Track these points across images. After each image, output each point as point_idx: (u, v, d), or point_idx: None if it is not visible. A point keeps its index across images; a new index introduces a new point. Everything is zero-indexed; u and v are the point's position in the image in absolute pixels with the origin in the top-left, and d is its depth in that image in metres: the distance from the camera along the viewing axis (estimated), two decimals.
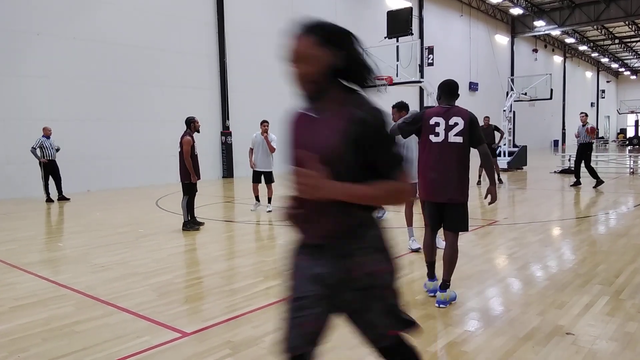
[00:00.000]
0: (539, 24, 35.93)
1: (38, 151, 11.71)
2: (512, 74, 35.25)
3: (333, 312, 1.96)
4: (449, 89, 4.06)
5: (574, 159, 13.14)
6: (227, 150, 18.01)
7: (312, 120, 1.90)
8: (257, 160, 9.42)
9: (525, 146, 19.91)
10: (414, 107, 27.23)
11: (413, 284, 4.74)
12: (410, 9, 15.82)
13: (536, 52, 42.63)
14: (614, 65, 57.52)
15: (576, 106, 52.40)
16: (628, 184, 13.19)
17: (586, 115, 12.73)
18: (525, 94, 22.48)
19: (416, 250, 5.90)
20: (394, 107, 6.10)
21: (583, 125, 12.51)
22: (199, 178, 7.93)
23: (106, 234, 7.69)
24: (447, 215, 3.99)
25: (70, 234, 8.14)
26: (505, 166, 14.39)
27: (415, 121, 4.07)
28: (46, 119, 12.88)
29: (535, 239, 6.64)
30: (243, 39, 18.51)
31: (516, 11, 34.47)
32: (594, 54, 51.07)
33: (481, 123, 13.93)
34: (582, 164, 12.61)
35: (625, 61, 56.94)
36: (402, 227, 6.42)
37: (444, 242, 5.61)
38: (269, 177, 9.41)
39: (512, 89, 21.85)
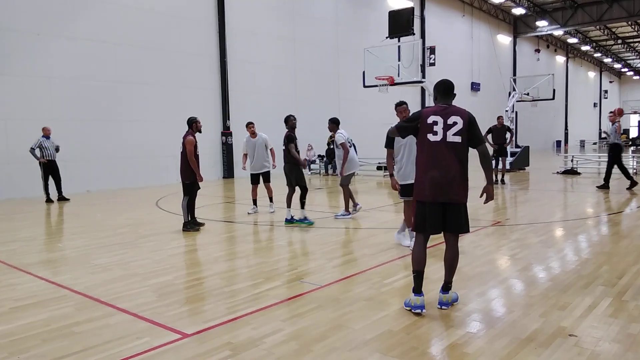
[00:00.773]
0: (542, 24, 35.89)
1: (37, 151, 11.71)
2: (515, 74, 35.23)
3: None
4: (444, 89, 4.01)
5: (606, 161, 12.33)
6: (227, 151, 18.01)
7: None
8: (254, 162, 9.33)
9: (528, 146, 19.88)
10: (416, 107, 27.24)
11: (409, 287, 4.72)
12: (412, 9, 15.80)
13: (538, 52, 42.58)
14: (617, 66, 57.41)
15: (579, 107, 52.37)
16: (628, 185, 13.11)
17: (616, 113, 12.13)
18: (528, 94, 22.44)
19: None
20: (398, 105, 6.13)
21: (612, 124, 11.94)
22: (201, 179, 7.91)
23: (106, 234, 7.68)
24: (449, 217, 3.88)
25: (70, 234, 8.14)
26: (508, 167, 14.36)
27: (413, 119, 4.01)
28: (46, 119, 12.90)
29: (537, 240, 6.61)
30: (243, 39, 18.52)
31: (518, 11, 34.44)
32: (597, 54, 50.99)
33: (494, 123, 13.88)
34: (611, 166, 11.96)
35: (628, 61, 56.82)
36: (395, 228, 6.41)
37: (409, 242, 5.58)
38: (267, 177, 9.38)
39: (514, 89, 21.80)
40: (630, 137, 49.12)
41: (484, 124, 24.64)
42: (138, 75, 15.42)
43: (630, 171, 16.72)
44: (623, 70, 59.90)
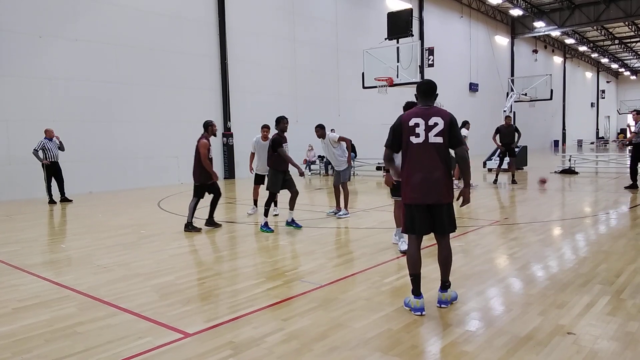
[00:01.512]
0: (539, 24, 35.97)
1: (40, 153, 11.74)
2: (512, 75, 35.29)
3: None
4: (425, 89, 3.99)
5: (630, 160, 12.19)
6: (228, 152, 18.04)
7: None
8: (261, 164, 9.33)
9: (526, 146, 19.93)
10: None
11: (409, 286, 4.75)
12: (411, 10, 15.84)
13: (536, 52, 42.67)
14: (614, 66, 57.54)
15: (576, 107, 52.47)
16: (628, 184, 13.16)
17: (638, 112, 12.00)
18: (526, 94, 22.49)
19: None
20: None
21: (637, 123, 11.83)
22: (216, 178, 7.98)
23: (108, 235, 7.71)
24: (437, 218, 3.92)
25: (73, 235, 8.16)
26: (506, 166, 14.41)
27: (395, 128, 3.97)
28: (48, 120, 12.92)
29: (535, 239, 6.64)
30: (244, 40, 18.56)
31: (516, 12, 34.51)
32: (594, 55, 51.10)
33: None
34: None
35: (625, 61, 56.96)
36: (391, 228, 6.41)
37: (405, 243, 5.50)
38: None
39: (512, 90, 21.87)
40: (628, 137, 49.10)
41: (484, 124, 24.91)
42: (139, 76, 15.45)
43: (628, 171, 16.81)
44: (620, 70, 60.05)
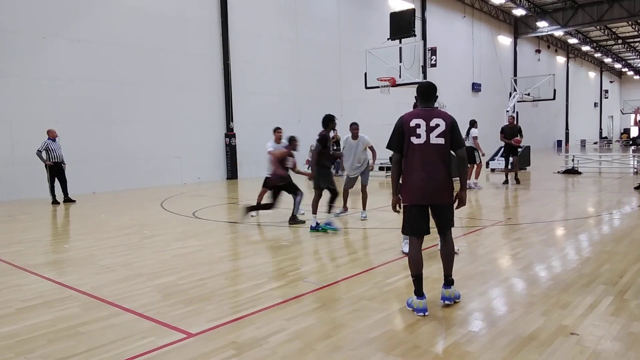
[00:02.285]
0: (542, 24, 35.89)
1: (44, 154, 11.77)
2: (515, 75, 35.23)
3: None
4: (424, 91, 4.01)
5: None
6: (231, 152, 18.05)
7: None
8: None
9: (529, 146, 19.89)
10: None
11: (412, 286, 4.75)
12: (413, 10, 15.82)
13: (539, 52, 42.57)
14: (618, 66, 57.36)
15: (579, 106, 52.33)
16: (632, 184, 13.14)
17: None
18: (529, 94, 22.44)
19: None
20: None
21: None
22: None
23: (111, 235, 7.72)
24: (439, 217, 3.99)
25: (76, 235, 8.18)
26: (509, 166, 14.37)
27: (397, 129, 3.97)
28: (51, 120, 12.96)
29: (538, 239, 6.63)
30: (246, 41, 18.57)
31: (519, 12, 34.44)
32: (597, 54, 50.96)
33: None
34: None
35: (629, 61, 56.77)
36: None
37: (407, 244, 5.41)
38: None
39: (515, 90, 21.81)
40: (631, 137, 49.07)
41: (486, 124, 24.78)
42: (142, 77, 15.48)
43: (632, 170, 16.77)
44: (623, 70, 59.87)
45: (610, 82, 62.58)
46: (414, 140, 3.86)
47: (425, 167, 3.84)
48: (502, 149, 14.74)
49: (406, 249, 5.93)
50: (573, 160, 17.47)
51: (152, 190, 14.37)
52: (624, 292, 4.32)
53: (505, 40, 37.41)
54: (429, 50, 24.43)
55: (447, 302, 4.04)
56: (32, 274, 5.50)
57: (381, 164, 17.92)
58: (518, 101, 21.09)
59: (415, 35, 15.61)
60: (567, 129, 49.59)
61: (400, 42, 15.43)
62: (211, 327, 3.75)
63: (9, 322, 4.02)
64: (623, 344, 3.29)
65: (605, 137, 58.44)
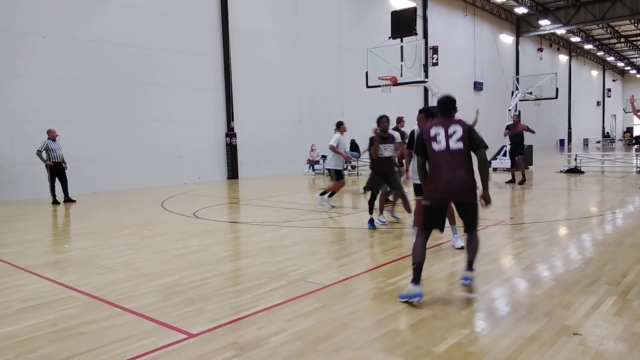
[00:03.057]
0: (544, 23, 35.80)
1: (44, 154, 11.77)
2: (517, 73, 35.16)
3: None
4: (442, 106, 4.40)
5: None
6: (231, 152, 18.04)
7: None
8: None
9: (531, 145, 19.82)
10: (418, 106, 27.19)
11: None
12: (415, 9, 15.78)
13: (541, 51, 42.48)
14: (620, 64, 57.24)
15: (582, 105, 52.22)
16: (635, 183, 13.10)
17: None
18: (531, 93, 22.37)
19: (461, 248, 5.86)
20: (420, 112, 6.06)
21: None
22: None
23: (112, 235, 7.72)
24: (465, 216, 4.32)
25: (77, 235, 8.18)
26: (515, 165, 14.33)
27: (419, 137, 4.42)
28: (52, 120, 12.96)
29: (541, 239, 6.61)
30: (247, 39, 18.56)
31: (521, 10, 34.37)
32: (600, 53, 50.85)
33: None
34: None
35: (632, 60, 56.63)
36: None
37: (460, 241, 5.78)
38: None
39: (517, 88, 21.77)
40: (634, 136, 48.92)
41: (489, 123, 24.72)
42: (142, 76, 15.48)
43: (635, 170, 16.72)
44: (626, 68, 59.75)
45: (613, 80, 62.45)
46: (435, 146, 4.23)
47: (446, 168, 4.17)
48: (507, 148, 14.60)
49: (458, 244, 5.96)
50: (576, 159, 17.43)
51: (153, 190, 14.37)
52: (627, 292, 4.29)
53: (507, 39, 37.34)
54: (430, 49, 24.38)
55: (466, 281, 4.27)
56: (32, 274, 5.49)
57: None
58: (520, 100, 21.04)
59: (416, 34, 15.56)
60: (569, 128, 49.49)
61: (401, 41, 15.39)
62: (212, 328, 3.74)
63: (9, 322, 4.01)
64: (626, 344, 3.27)
65: (608, 136, 58.31)
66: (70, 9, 13.85)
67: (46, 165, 11.84)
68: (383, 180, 7.52)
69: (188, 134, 16.68)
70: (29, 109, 13.05)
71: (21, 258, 6.27)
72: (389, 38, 15.55)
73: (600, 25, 38.63)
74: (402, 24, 15.21)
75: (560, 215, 8.81)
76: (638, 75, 62.01)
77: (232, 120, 18.11)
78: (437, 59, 24.07)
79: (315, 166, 19.89)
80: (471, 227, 4.35)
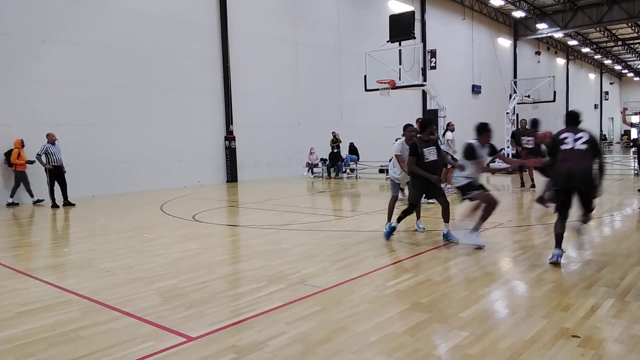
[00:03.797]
0: (542, 26, 35.90)
1: (43, 157, 11.78)
2: (515, 77, 35.21)
3: None
4: (570, 119, 5.61)
5: None
6: (230, 155, 18.05)
7: None
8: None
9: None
10: (417, 109, 27.24)
11: (413, 289, 4.74)
12: (413, 12, 15.85)
13: (539, 54, 42.59)
14: (618, 67, 57.35)
15: (579, 108, 52.26)
16: (633, 186, 13.14)
17: None
18: (529, 96, 22.46)
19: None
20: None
21: None
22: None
23: (111, 239, 7.72)
24: (583, 202, 5.45)
25: (76, 239, 8.18)
26: (510, 169, 14.32)
27: (554, 143, 5.50)
28: (51, 123, 12.97)
29: (539, 242, 6.62)
30: (246, 43, 18.59)
31: (518, 14, 34.46)
32: (597, 56, 50.95)
33: (511, 126, 13.71)
34: None
35: (629, 63, 56.76)
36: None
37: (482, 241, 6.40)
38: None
39: (515, 92, 21.84)
40: (632, 138, 48.99)
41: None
42: (141, 80, 15.50)
43: (632, 172, 16.76)
44: (623, 71, 59.85)
45: (611, 83, 62.59)
46: (563, 147, 5.36)
47: (571, 163, 5.21)
48: (508, 150, 14.37)
49: (479, 242, 6.23)
50: None
51: (152, 194, 14.36)
52: (625, 295, 4.31)
53: (505, 42, 37.44)
54: (428, 52, 24.42)
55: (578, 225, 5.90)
56: (32, 277, 5.49)
57: (381, 166, 17.94)
58: (518, 103, 21.11)
59: (414, 38, 15.62)
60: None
61: (399, 45, 15.45)
62: (211, 331, 3.74)
63: (8, 326, 4.01)
64: (625, 346, 3.28)
65: (606, 139, 58.42)
66: (70, 13, 13.87)
67: (45, 169, 11.84)
68: (426, 188, 6.77)
69: (187, 138, 16.68)
70: (27, 112, 13.05)
71: (20, 262, 6.27)
72: (388, 42, 15.61)
73: (598, 29, 38.77)
74: (401, 27, 15.28)
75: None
76: (635, 79, 62.16)
77: (231, 124, 18.13)
78: (435, 63, 24.09)
79: (314, 169, 19.90)
80: (587, 211, 5.57)
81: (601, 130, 60.96)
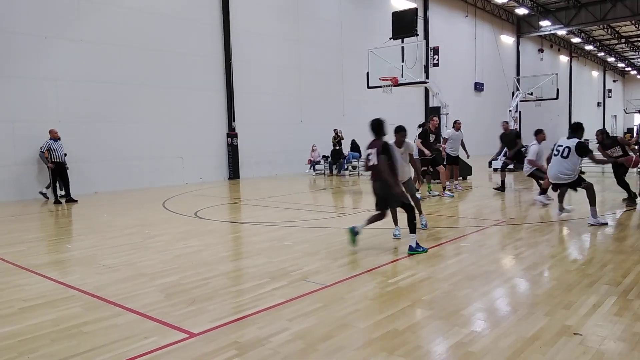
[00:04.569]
0: (545, 23, 35.79)
1: (46, 154, 11.80)
2: (518, 74, 35.13)
3: None
4: (574, 128, 7.17)
5: None
6: (233, 152, 18.06)
7: None
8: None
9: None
10: (419, 107, 27.16)
11: (414, 286, 4.74)
12: (415, 9, 15.79)
13: (542, 52, 42.45)
14: (621, 65, 57.14)
15: (583, 106, 52.19)
16: (636, 184, 13.09)
17: None
18: (531, 94, 22.38)
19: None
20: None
21: None
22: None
23: (114, 235, 7.73)
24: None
25: (78, 235, 8.20)
26: (512, 166, 14.31)
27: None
28: (53, 120, 12.99)
29: (542, 239, 6.61)
30: (248, 40, 18.57)
31: (522, 11, 34.35)
32: (600, 54, 50.76)
33: (498, 124, 13.63)
34: None
35: (632, 60, 56.54)
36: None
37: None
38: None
39: (518, 89, 21.79)
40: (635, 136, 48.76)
41: (489, 124, 24.56)
42: (144, 77, 15.50)
43: (636, 170, 16.67)
44: (627, 69, 59.63)
45: (614, 81, 62.38)
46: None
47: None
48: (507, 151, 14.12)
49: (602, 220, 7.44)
50: None
51: (154, 190, 14.38)
52: (627, 292, 4.30)
53: (507, 40, 37.33)
54: (431, 49, 24.39)
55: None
56: (34, 273, 5.50)
57: None
58: (521, 101, 21.05)
59: (417, 35, 15.57)
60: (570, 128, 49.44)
61: (402, 42, 15.40)
62: (213, 327, 3.75)
63: (11, 321, 4.02)
64: (627, 344, 3.28)
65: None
66: (72, 9, 13.87)
67: (47, 166, 11.87)
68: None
69: (189, 135, 16.69)
70: (30, 109, 13.07)
71: (23, 258, 6.29)
72: (390, 39, 15.56)
73: (601, 26, 38.60)
74: (403, 24, 15.23)
75: (561, 215, 8.80)
76: (639, 76, 61.94)
77: (233, 121, 18.13)
78: (437, 60, 24.07)
79: (316, 166, 19.90)
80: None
81: (604, 128, 60.77)
